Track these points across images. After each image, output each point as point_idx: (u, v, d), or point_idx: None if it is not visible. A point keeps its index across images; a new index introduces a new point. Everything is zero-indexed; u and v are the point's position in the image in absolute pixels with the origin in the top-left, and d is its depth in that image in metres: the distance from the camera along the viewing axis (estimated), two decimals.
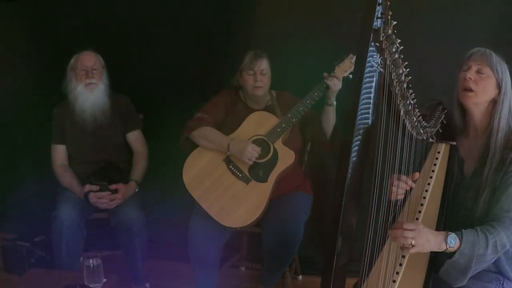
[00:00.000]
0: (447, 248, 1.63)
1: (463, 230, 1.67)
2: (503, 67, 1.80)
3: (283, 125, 2.63)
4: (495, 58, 1.80)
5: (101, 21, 3.40)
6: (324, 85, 2.58)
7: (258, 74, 2.69)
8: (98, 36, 3.32)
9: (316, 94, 2.61)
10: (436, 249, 1.64)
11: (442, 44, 2.79)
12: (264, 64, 2.71)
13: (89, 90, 2.89)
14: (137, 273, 2.91)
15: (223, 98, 2.82)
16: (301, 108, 2.62)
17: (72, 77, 2.92)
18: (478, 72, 1.80)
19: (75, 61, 2.92)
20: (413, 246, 1.60)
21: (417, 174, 1.85)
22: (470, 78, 1.80)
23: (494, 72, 1.79)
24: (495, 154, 1.77)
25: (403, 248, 1.63)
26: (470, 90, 1.80)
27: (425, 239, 1.62)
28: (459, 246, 1.63)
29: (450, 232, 1.65)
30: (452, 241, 1.63)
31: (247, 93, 2.78)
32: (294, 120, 2.63)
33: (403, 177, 1.82)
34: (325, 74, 2.59)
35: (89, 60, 2.91)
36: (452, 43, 2.74)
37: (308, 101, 2.61)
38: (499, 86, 1.80)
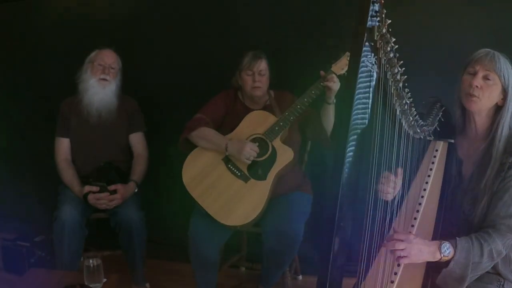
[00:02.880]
0: (441, 257, 1.63)
1: (457, 238, 1.66)
2: (509, 71, 1.75)
3: (281, 124, 2.64)
4: (503, 62, 1.74)
5: (102, 22, 3.40)
6: (322, 84, 2.58)
7: (257, 75, 2.71)
8: (99, 36, 3.32)
9: (313, 92, 2.61)
10: (431, 259, 1.64)
11: (439, 42, 2.78)
12: (262, 65, 2.72)
13: (101, 86, 2.92)
14: (137, 273, 2.91)
15: (222, 99, 2.84)
16: (298, 107, 2.63)
17: (88, 69, 2.96)
18: (485, 78, 1.75)
19: (95, 55, 2.97)
20: (405, 257, 1.61)
21: (399, 170, 1.81)
22: (477, 86, 1.75)
23: (501, 79, 1.74)
24: (495, 162, 1.75)
25: (400, 257, 1.63)
26: (476, 96, 1.77)
27: (417, 249, 1.62)
28: (454, 255, 1.63)
29: (443, 241, 1.65)
30: (446, 250, 1.63)
31: (246, 93, 2.79)
32: (292, 118, 2.64)
33: (385, 174, 1.79)
34: (322, 72, 2.59)
35: (109, 57, 2.96)
36: (450, 40, 2.73)
37: (305, 99, 2.62)
38: (504, 92, 1.76)
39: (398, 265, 1.72)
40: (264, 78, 2.74)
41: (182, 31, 3.29)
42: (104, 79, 2.92)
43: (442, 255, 1.63)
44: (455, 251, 1.63)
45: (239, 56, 2.75)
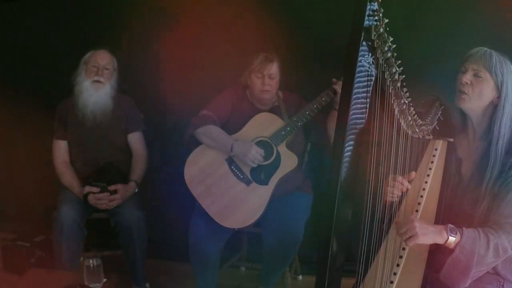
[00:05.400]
0: (448, 238, 1.61)
1: (463, 228, 1.65)
2: (504, 69, 1.74)
3: (288, 129, 2.62)
4: (496, 59, 1.74)
5: (102, 21, 3.40)
6: (332, 90, 2.56)
7: (267, 78, 2.67)
8: (99, 37, 3.32)
9: (323, 99, 2.58)
10: (438, 239, 1.62)
11: (441, 42, 2.77)
12: (274, 68, 2.68)
13: (95, 88, 2.92)
14: (137, 273, 2.91)
15: (229, 96, 2.81)
16: (307, 113, 2.60)
17: (82, 70, 2.95)
18: (475, 75, 1.76)
19: (90, 56, 2.96)
20: (413, 237, 1.59)
21: (413, 173, 1.83)
22: (466, 82, 1.76)
23: (492, 75, 1.74)
24: (495, 163, 1.73)
25: (407, 238, 1.62)
26: (464, 93, 1.77)
27: (425, 228, 1.61)
28: (460, 240, 1.61)
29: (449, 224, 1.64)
30: (452, 231, 1.61)
31: (254, 94, 2.75)
32: (299, 124, 2.61)
33: (399, 178, 1.80)
34: (334, 79, 2.56)
35: (103, 58, 2.94)
36: (451, 40, 2.73)
37: (314, 106, 2.59)
38: (498, 90, 1.75)
39: (398, 265, 1.72)
40: (274, 81, 2.69)
41: (184, 30, 3.29)
42: (98, 81, 2.91)
43: (448, 235, 1.61)
44: (461, 236, 1.61)
45: (240, 56, 2.74)
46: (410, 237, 1.60)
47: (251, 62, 2.69)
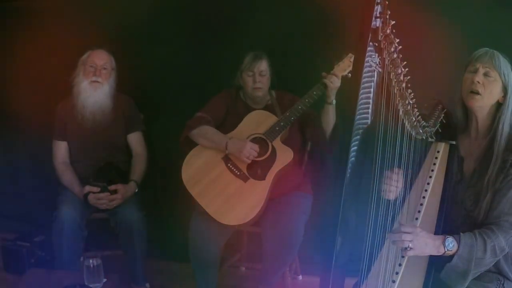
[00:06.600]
0: (445, 252, 1.65)
1: (461, 233, 1.68)
2: (508, 69, 1.79)
3: (282, 124, 2.65)
4: (502, 60, 1.79)
5: (103, 21, 3.40)
6: (322, 84, 2.59)
7: (258, 75, 2.73)
8: (99, 36, 3.32)
9: (315, 93, 2.62)
10: (434, 253, 1.66)
11: (442, 43, 2.79)
12: (263, 65, 2.74)
13: (93, 88, 2.91)
14: (137, 273, 2.91)
15: (223, 98, 2.86)
16: (299, 107, 2.63)
17: (80, 71, 2.94)
18: (486, 75, 1.79)
19: (87, 57, 2.95)
20: (411, 249, 1.62)
21: (398, 169, 1.83)
22: (478, 81, 1.79)
23: (501, 76, 1.78)
24: (497, 159, 1.77)
25: (402, 251, 1.65)
26: (477, 93, 1.79)
27: (423, 242, 1.64)
28: (457, 250, 1.66)
29: (448, 236, 1.67)
30: (450, 245, 1.66)
31: (247, 93, 2.80)
32: (292, 118, 2.64)
33: (388, 173, 1.81)
34: (324, 73, 2.59)
35: (101, 58, 2.94)
36: (452, 42, 2.74)
37: (307, 100, 2.63)
38: (504, 89, 1.79)
39: (400, 264, 1.74)
40: (265, 78, 2.75)
41: (183, 30, 3.29)
42: (96, 81, 2.91)
43: (446, 249, 1.65)
44: (458, 246, 1.66)
45: (241, 57, 2.76)
46: (409, 248, 1.63)
47: (241, 62, 2.76)
